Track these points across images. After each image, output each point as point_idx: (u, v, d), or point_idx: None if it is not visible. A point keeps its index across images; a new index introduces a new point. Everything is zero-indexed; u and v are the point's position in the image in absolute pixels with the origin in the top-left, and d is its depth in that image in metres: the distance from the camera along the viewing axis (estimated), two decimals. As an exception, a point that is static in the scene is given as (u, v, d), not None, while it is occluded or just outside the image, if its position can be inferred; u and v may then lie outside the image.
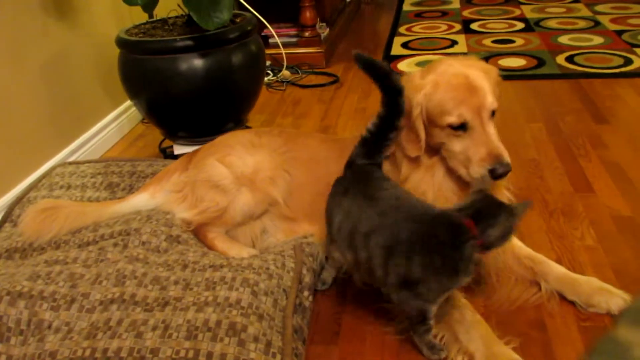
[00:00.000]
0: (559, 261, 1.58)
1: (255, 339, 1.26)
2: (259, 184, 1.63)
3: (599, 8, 4.09)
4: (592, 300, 1.41)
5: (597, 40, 3.42)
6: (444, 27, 3.94)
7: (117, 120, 2.62)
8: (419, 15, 4.29)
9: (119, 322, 1.32)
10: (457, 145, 1.42)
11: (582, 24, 3.77)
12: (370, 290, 1.53)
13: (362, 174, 1.43)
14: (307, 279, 1.54)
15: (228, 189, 1.64)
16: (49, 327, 1.34)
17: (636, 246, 1.63)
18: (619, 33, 3.50)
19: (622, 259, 1.58)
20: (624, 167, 2.04)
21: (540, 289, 1.49)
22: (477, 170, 1.39)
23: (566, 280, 1.48)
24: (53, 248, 1.64)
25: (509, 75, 2.97)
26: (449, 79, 1.41)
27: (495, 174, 1.38)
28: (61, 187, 1.96)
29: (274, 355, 1.26)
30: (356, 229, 1.33)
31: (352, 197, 1.38)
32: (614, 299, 1.40)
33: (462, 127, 1.39)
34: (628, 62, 3.02)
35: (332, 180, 1.47)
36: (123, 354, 1.22)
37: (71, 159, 2.28)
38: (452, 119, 1.38)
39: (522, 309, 1.44)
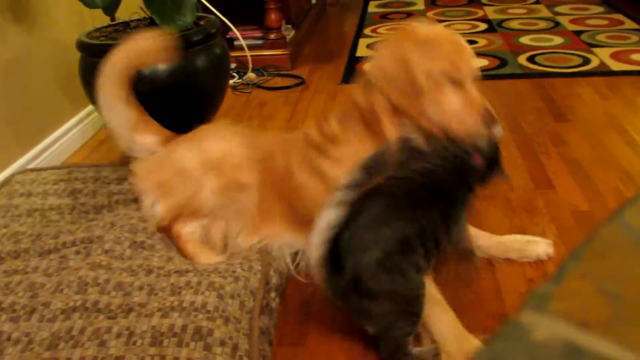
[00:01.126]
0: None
1: (222, 343, 1.25)
2: (227, 170, 1.61)
3: (558, 9, 4.17)
4: (525, 252, 1.61)
5: (557, 40, 3.48)
6: (408, 28, 3.97)
7: (79, 126, 2.59)
8: (384, 17, 4.32)
9: (82, 331, 1.30)
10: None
11: (542, 24, 3.83)
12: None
13: None
14: (275, 280, 1.54)
15: (194, 175, 1.61)
16: (8, 339, 1.31)
17: (596, 241, 1.66)
18: (578, 33, 3.57)
19: (583, 254, 1.61)
20: (583, 163, 2.08)
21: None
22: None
23: (496, 243, 1.62)
24: (12, 257, 1.60)
25: (471, 75, 3.01)
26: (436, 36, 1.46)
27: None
28: (21, 194, 1.93)
29: (240, 358, 1.25)
30: None
31: None
32: (541, 246, 1.62)
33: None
34: (586, 61, 3.08)
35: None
36: (86, 363, 1.20)
37: (32, 166, 2.24)
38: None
39: (483, 300, 1.47)
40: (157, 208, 1.65)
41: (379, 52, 1.50)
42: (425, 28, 1.48)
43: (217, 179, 1.60)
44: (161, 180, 1.66)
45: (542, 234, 1.71)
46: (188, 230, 1.65)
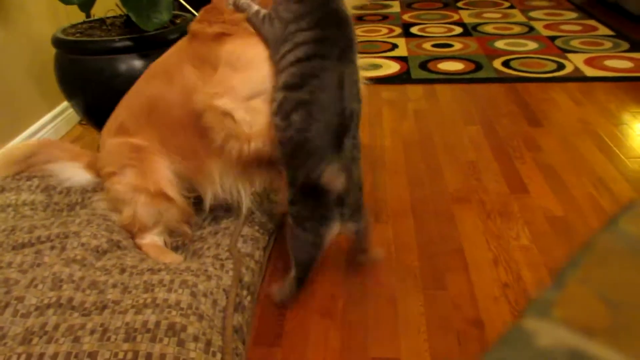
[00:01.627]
0: (495, 260, 1.63)
1: (195, 339, 1.25)
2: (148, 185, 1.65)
3: (533, 14, 4.22)
4: None
5: (532, 45, 3.52)
6: (385, 30, 3.98)
7: (53, 122, 2.56)
8: (360, 19, 4.33)
9: (56, 327, 1.29)
10: None
11: (517, 29, 3.88)
12: (314, 292, 1.55)
13: None
14: (247, 278, 1.54)
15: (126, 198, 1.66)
16: (-18, 333, 1.30)
17: (568, 245, 1.69)
18: (552, 39, 3.61)
19: (555, 258, 1.64)
20: (557, 168, 2.10)
21: None
22: None
23: None
24: (-15, 252, 1.59)
25: (448, 79, 3.03)
26: None
27: None
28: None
29: (214, 354, 1.25)
30: None
31: None
32: None
33: None
34: (561, 67, 3.12)
35: None
36: (60, 359, 1.20)
37: (5, 162, 2.21)
38: None
39: (458, 305, 1.48)
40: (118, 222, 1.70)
41: None
42: None
43: (145, 197, 1.63)
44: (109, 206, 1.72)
45: (517, 238, 1.73)
46: (145, 241, 1.68)
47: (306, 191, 1.38)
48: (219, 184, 1.66)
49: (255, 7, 1.50)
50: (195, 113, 1.53)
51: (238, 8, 1.52)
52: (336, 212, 1.40)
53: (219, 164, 1.61)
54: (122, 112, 1.71)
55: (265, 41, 1.48)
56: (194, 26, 1.60)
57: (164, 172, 1.63)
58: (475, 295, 1.51)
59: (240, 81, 1.50)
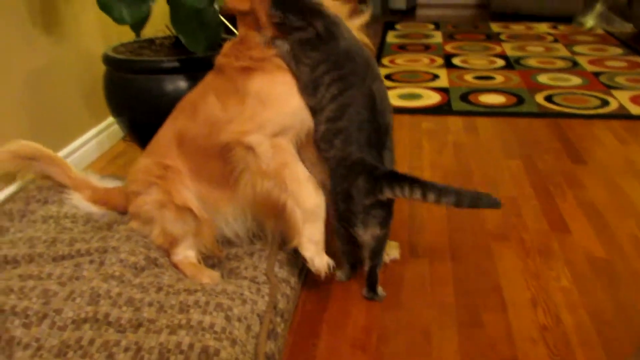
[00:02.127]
0: (534, 301, 1.60)
1: (228, 365, 1.25)
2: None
3: (577, 49, 4.17)
4: None
5: (575, 80, 3.48)
6: (427, 60, 3.98)
7: (98, 137, 2.61)
8: (402, 48, 4.34)
9: (91, 342, 1.30)
10: None
11: (560, 63, 3.84)
12: (347, 323, 1.53)
13: None
14: (282, 304, 1.53)
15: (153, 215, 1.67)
16: (19, 343, 1.31)
17: (610, 289, 1.64)
18: (597, 74, 3.57)
19: (596, 301, 1.59)
20: (600, 208, 2.06)
21: None
22: None
23: None
24: (27, 261, 1.61)
25: (489, 111, 3.01)
26: None
27: None
28: (38, 200, 1.94)
29: (246, 382, 1.24)
30: None
31: None
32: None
33: None
34: (605, 103, 3.07)
35: None
36: (94, 375, 1.21)
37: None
38: None
39: (495, 344, 1.44)
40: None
41: None
42: None
43: (170, 212, 1.63)
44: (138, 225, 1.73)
45: (557, 279, 1.69)
46: (179, 258, 1.68)
47: (347, 198, 1.52)
48: (243, 214, 1.69)
49: (287, 46, 1.54)
50: (220, 144, 1.57)
51: (270, 45, 1.54)
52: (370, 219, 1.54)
53: (237, 195, 1.64)
54: (155, 143, 1.74)
55: (298, 78, 1.56)
56: (220, 60, 1.64)
57: (185, 192, 1.65)
58: (513, 336, 1.47)
59: (269, 117, 1.53)
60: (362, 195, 1.49)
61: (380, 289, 1.63)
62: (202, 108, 1.63)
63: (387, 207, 1.54)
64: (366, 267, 1.61)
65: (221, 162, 1.60)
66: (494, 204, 1.46)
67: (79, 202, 1.91)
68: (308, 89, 1.54)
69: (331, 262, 1.58)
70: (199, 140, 1.63)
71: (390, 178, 1.47)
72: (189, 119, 1.66)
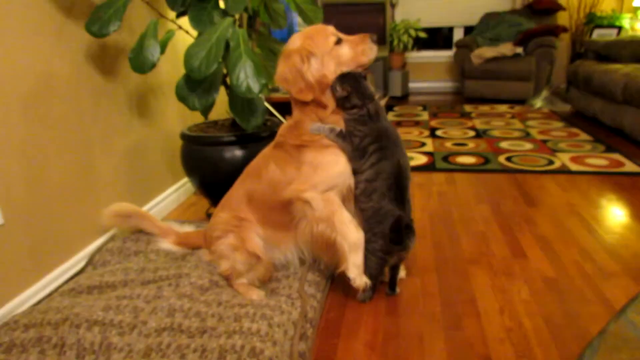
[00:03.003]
0: (501, 310, 1.56)
1: (270, 361, 1.23)
2: (245, 247, 1.64)
3: (529, 123, 4.16)
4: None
5: (528, 146, 3.46)
6: (417, 132, 4.00)
7: (176, 192, 2.64)
8: (399, 123, 4.37)
9: (168, 346, 1.29)
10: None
11: (517, 133, 3.82)
12: (360, 327, 1.51)
13: None
14: (310, 314, 1.51)
15: (229, 255, 1.64)
16: (115, 347, 1.31)
17: (559, 301, 1.60)
18: (544, 141, 3.54)
19: (549, 310, 1.55)
20: (549, 240, 2.01)
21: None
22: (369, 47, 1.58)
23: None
24: (122, 285, 1.62)
25: (464, 168, 3.00)
26: (309, 31, 1.58)
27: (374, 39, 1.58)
28: (132, 239, 1.96)
29: (284, 375, 1.22)
30: None
31: None
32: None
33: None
34: (550, 162, 3.04)
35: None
36: (169, 370, 1.19)
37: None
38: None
39: (472, 344, 1.40)
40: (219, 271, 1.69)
41: (278, 67, 1.58)
42: (295, 41, 1.57)
43: (241, 255, 1.62)
44: (212, 258, 1.73)
45: (518, 293, 1.65)
46: (238, 282, 1.66)
47: (384, 236, 1.54)
48: (296, 249, 1.70)
49: (328, 127, 1.57)
50: (281, 199, 1.58)
51: (317, 131, 1.57)
52: (395, 250, 1.57)
53: (297, 236, 1.64)
54: (228, 200, 1.74)
55: (342, 149, 1.58)
56: (278, 138, 1.66)
57: (256, 240, 1.65)
58: (486, 337, 1.43)
59: (320, 179, 1.54)
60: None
61: (397, 289, 1.67)
62: (265, 173, 1.64)
63: (408, 239, 1.56)
64: (387, 278, 1.68)
65: (281, 212, 1.61)
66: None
67: (166, 245, 1.91)
68: (356, 154, 1.56)
69: (368, 281, 1.59)
70: (265, 197, 1.64)
71: (407, 226, 1.53)
72: (255, 182, 1.66)
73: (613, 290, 1.64)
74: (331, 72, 1.54)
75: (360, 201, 1.59)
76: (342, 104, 1.57)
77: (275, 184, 1.61)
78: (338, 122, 1.58)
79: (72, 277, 1.81)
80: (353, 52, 1.57)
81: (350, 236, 1.54)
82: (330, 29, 1.58)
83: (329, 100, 1.56)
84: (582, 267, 1.79)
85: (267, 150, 1.71)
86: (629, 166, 2.91)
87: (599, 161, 3.03)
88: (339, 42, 1.56)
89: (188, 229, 2.01)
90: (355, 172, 1.58)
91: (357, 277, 1.57)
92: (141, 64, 1.89)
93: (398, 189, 1.53)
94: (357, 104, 1.55)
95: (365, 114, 1.55)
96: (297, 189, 1.55)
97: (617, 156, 3.11)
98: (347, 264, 1.56)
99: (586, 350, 0.43)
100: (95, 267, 1.81)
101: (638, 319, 0.46)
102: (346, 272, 1.57)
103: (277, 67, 1.57)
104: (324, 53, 1.54)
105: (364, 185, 1.56)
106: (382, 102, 1.67)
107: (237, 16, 2.02)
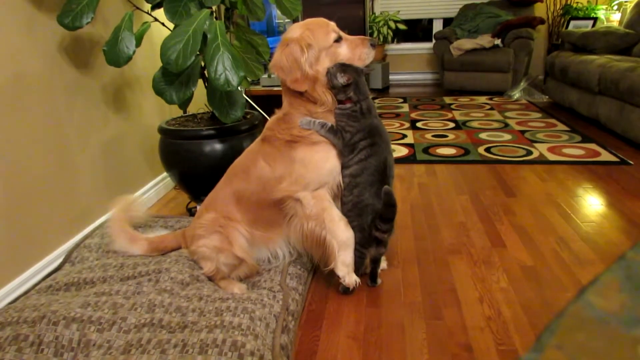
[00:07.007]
0: (480, 299, 1.58)
1: (252, 353, 1.23)
2: (227, 248, 1.62)
3: (508, 114, 4.20)
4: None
5: (507, 136, 3.50)
6: (398, 124, 4.01)
7: (156, 187, 2.61)
8: (380, 115, 4.37)
9: (148, 341, 1.28)
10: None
11: (496, 124, 3.86)
12: (341, 318, 1.51)
13: None
14: (292, 307, 1.51)
15: (212, 256, 1.62)
16: (94, 344, 1.29)
17: (537, 289, 1.62)
18: (522, 132, 3.58)
19: (527, 298, 1.57)
20: (527, 229, 2.04)
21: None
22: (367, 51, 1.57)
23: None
24: (101, 282, 1.60)
25: (444, 160, 3.02)
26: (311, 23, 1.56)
27: (373, 43, 1.57)
28: (110, 235, 1.93)
29: (265, 367, 1.22)
30: None
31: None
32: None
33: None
34: (529, 153, 3.08)
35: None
36: (150, 366, 1.18)
37: (120, 215, 2.24)
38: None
39: (452, 333, 1.42)
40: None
41: (275, 54, 1.56)
42: (295, 30, 1.55)
43: (226, 257, 1.60)
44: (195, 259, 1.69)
45: (497, 282, 1.67)
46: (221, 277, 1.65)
47: (362, 229, 1.57)
48: (286, 247, 1.70)
49: (319, 122, 1.55)
50: (272, 197, 1.57)
51: (307, 126, 1.55)
52: (374, 243, 1.59)
53: (289, 233, 1.64)
54: (214, 200, 1.69)
55: (333, 145, 1.58)
56: (266, 132, 1.62)
57: (242, 241, 1.63)
58: (466, 326, 1.45)
59: (311, 178, 1.54)
60: (372, 227, 1.56)
61: (379, 280, 1.68)
62: (254, 170, 1.61)
63: (386, 234, 1.58)
64: (368, 270, 1.68)
65: (272, 210, 1.60)
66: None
67: (137, 253, 1.78)
68: (346, 150, 1.56)
69: (358, 280, 1.60)
70: (255, 196, 1.61)
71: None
72: (244, 181, 1.63)
73: (589, 277, 1.67)
74: (324, 69, 1.52)
75: (343, 195, 1.60)
76: (337, 93, 1.55)
77: (265, 182, 1.59)
78: (327, 117, 1.57)
79: (49, 275, 1.78)
80: (351, 53, 1.55)
81: (340, 235, 1.54)
82: (332, 25, 1.56)
83: (321, 95, 1.54)
84: (559, 255, 1.82)
85: (254, 146, 1.67)
86: (605, 155, 2.97)
87: (575, 151, 3.08)
88: (338, 40, 1.54)
89: (158, 232, 1.96)
90: (342, 167, 1.58)
91: (347, 275, 1.58)
92: (117, 57, 1.86)
93: (381, 185, 1.54)
94: (352, 98, 1.55)
95: (357, 110, 1.55)
96: (288, 189, 1.54)
97: (593, 146, 3.17)
98: (336, 262, 1.56)
99: (544, 332, 0.43)
100: (73, 264, 1.79)
101: (596, 300, 0.47)
102: (335, 270, 1.57)
103: (274, 54, 1.54)
104: (322, 48, 1.51)
105: (348, 180, 1.56)
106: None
107: (214, 8, 2.00)
